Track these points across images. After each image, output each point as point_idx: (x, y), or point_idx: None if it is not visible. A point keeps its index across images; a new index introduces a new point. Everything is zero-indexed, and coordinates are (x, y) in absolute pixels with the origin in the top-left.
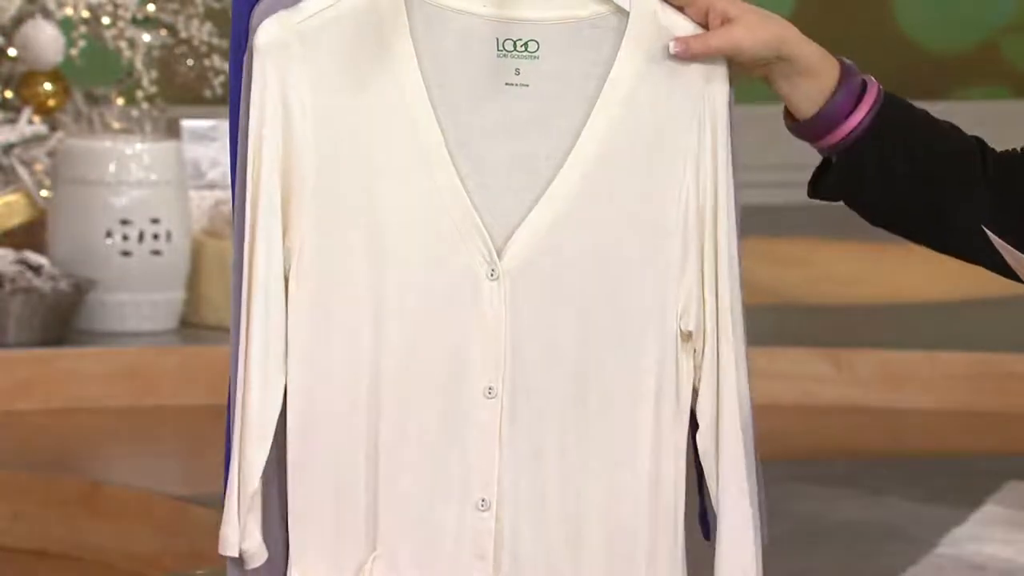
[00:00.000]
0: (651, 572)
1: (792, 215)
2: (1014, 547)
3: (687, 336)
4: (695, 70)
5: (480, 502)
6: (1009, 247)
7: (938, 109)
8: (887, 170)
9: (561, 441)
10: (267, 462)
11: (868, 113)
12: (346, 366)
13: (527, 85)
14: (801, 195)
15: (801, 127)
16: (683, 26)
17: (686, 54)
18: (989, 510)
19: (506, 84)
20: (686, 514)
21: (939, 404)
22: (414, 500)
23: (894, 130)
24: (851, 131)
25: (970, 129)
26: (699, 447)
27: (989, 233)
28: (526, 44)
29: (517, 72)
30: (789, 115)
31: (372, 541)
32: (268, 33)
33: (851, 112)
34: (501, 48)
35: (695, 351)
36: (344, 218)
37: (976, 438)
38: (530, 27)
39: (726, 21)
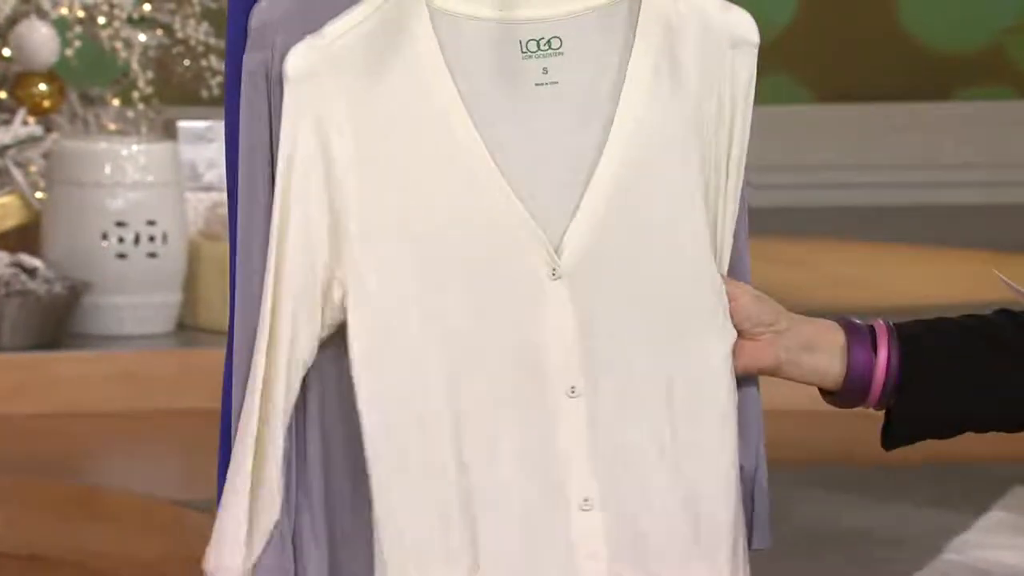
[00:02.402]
0: (735, 548)
1: (793, 216)
2: (1019, 552)
3: None
4: (718, 44)
5: (583, 501)
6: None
7: (943, 110)
8: (942, 396)
9: (649, 427)
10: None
11: (889, 352)
12: (421, 388)
13: (557, 82)
14: (802, 196)
15: (840, 397)
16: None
17: None
18: (994, 515)
19: (536, 84)
20: None
21: None
22: (511, 510)
23: (924, 355)
24: (885, 377)
25: (974, 130)
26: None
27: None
28: (549, 42)
29: (545, 71)
30: (824, 394)
31: (473, 558)
32: (298, 62)
33: (874, 359)
34: (525, 49)
35: None
36: (396, 239)
37: (981, 443)
38: (550, 25)
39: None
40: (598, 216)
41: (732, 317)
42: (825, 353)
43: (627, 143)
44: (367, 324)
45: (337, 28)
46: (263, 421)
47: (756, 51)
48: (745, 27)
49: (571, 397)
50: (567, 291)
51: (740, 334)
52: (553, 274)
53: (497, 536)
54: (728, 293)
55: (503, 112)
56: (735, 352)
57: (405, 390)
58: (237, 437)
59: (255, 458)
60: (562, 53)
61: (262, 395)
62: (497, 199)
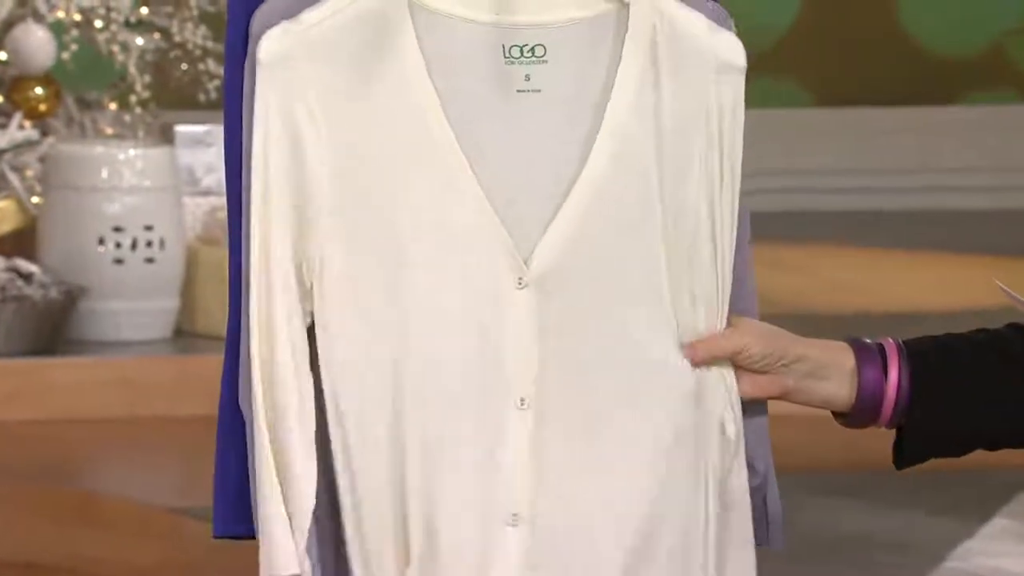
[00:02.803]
0: (693, 565)
1: (792, 221)
2: (1023, 560)
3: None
4: (705, 64)
5: (512, 517)
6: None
7: (945, 114)
8: (952, 412)
9: (595, 446)
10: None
11: (900, 373)
12: (377, 382)
13: (539, 91)
14: (802, 201)
15: (851, 419)
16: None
17: (695, 359)
18: (998, 523)
19: (518, 91)
20: None
21: None
22: (446, 515)
23: (935, 373)
24: (896, 398)
25: (976, 134)
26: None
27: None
28: (533, 49)
29: (527, 78)
30: (836, 415)
31: (405, 555)
32: (271, 46)
33: (884, 381)
34: (508, 55)
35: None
36: (365, 233)
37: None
38: (535, 32)
39: (729, 326)
40: (574, 227)
41: (739, 362)
42: (834, 378)
43: (609, 156)
44: (327, 318)
45: (313, 16)
46: (278, 425)
47: (743, 75)
48: (733, 51)
49: (520, 409)
50: (534, 301)
51: (749, 370)
52: (520, 282)
53: (431, 540)
54: (733, 338)
55: (482, 114)
56: (743, 384)
57: (364, 387)
58: (255, 448)
59: (276, 462)
60: (546, 61)
61: (264, 401)
62: (467, 202)
